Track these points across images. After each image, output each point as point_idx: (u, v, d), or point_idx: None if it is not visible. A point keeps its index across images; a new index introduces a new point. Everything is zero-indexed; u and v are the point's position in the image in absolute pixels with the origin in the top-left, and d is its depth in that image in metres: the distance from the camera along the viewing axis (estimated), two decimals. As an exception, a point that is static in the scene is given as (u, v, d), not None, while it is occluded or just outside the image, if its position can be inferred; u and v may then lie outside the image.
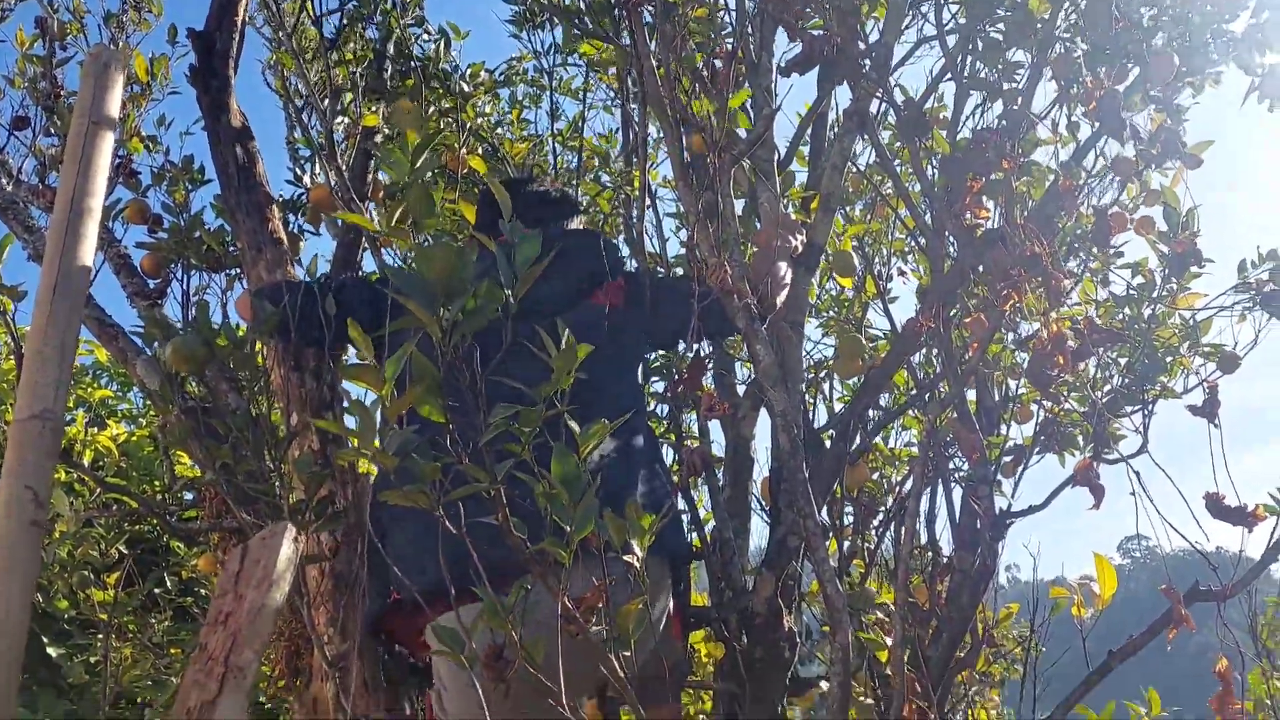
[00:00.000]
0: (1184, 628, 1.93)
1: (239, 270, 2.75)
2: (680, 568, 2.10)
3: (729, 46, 2.53)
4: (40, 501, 1.38)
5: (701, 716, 3.09)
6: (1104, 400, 2.49)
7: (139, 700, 3.89)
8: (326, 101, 3.03)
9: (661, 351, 2.56)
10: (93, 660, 3.98)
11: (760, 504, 2.70)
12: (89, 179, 1.70)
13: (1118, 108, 2.06)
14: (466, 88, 3.41)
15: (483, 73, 3.63)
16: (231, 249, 2.76)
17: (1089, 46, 2.22)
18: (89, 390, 4.93)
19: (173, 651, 3.33)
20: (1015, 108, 2.15)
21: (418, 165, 1.45)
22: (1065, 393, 2.45)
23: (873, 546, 2.85)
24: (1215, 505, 2.05)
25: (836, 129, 3.09)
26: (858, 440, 2.59)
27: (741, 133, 2.47)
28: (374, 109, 3.22)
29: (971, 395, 2.55)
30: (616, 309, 2.18)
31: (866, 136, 2.41)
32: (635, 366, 2.21)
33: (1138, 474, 2.28)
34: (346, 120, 3.16)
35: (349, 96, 3.26)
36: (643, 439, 2.07)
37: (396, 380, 1.28)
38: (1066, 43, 2.21)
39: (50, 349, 1.51)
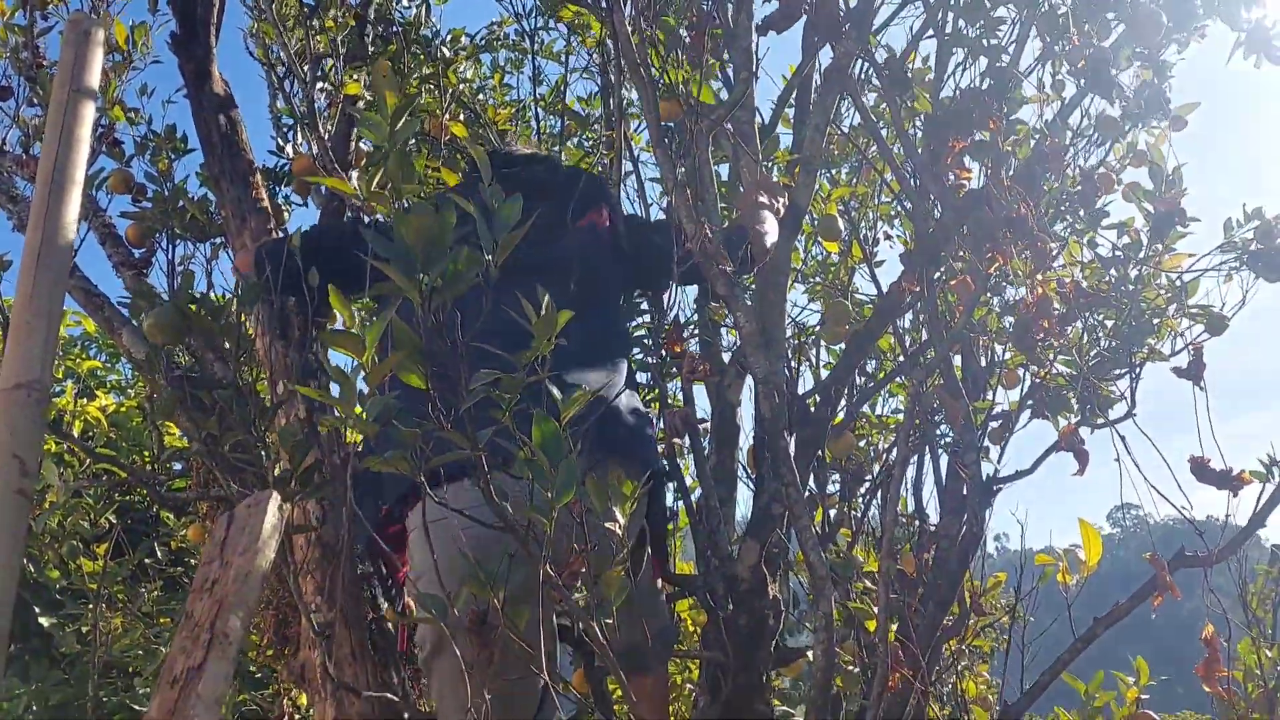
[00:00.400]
0: (1171, 595, 1.94)
1: (224, 239, 2.74)
2: (656, 483, 2.11)
3: (705, 7, 2.50)
4: (27, 470, 1.38)
5: (689, 686, 3.12)
6: (1091, 364, 2.49)
7: (130, 670, 3.91)
8: (307, 69, 3.00)
9: (640, 292, 2.56)
10: (84, 630, 4.00)
11: (746, 472, 2.71)
12: (71, 148, 1.68)
13: (1108, 66, 2.05)
14: (448, 53, 3.38)
15: (464, 38, 3.60)
16: (216, 218, 2.75)
17: (1074, 1, 2.20)
18: (77, 361, 4.91)
19: (162, 621, 3.34)
20: (1000, 65, 2.14)
21: (397, 128, 1.43)
22: (1052, 357, 2.45)
23: (859, 514, 2.87)
24: (1200, 469, 2.06)
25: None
26: (844, 407, 2.59)
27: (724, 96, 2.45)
28: (355, 77, 3.19)
29: (958, 361, 2.55)
30: (603, 231, 2.22)
31: (851, 98, 2.39)
32: (618, 294, 2.25)
33: (1124, 439, 2.29)
34: (328, 87, 3.13)
35: (330, 64, 3.23)
36: (624, 363, 2.11)
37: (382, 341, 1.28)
38: (1052, -2, 2.20)
39: (36, 318, 1.50)
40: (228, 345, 2.32)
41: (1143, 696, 2.43)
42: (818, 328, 2.93)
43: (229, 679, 1.13)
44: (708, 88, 2.46)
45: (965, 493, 2.28)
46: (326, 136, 3.11)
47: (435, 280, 1.28)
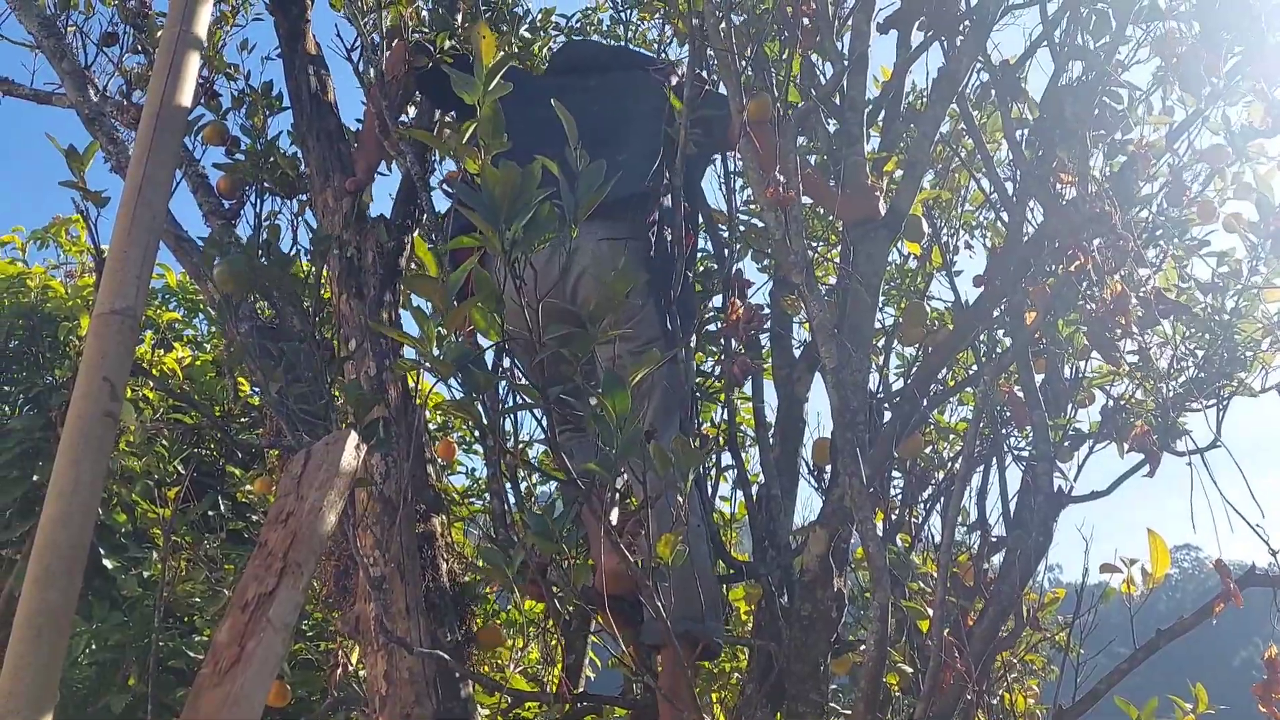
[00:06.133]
0: (1234, 605, 1.88)
1: (309, 196, 2.79)
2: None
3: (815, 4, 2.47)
4: (115, 394, 1.42)
5: (736, 674, 3.10)
6: (1174, 393, 2.41)
7: (189, 618, 3.98)
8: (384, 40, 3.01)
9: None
10: (146, 574, 4.08)
11: (809, 467, 2.68)
12: (177, 88, 1.73)
13: (1200, 65, 2.00)
14: (527, 35, 3.39)
15: (555, 18, 3.61)
16: (304, 175, 2.80)
17: (1200, 27, 2.15)
18: (158, 312, 5.02)
19: (227, 567, 3.40)
20: (1116, 81, 2.09)
21: (490, 88, 1.45)
22: (1136, 378, 2.39)
23: (920, 520, 2.82)
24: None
25: (912, 94, 3.03)
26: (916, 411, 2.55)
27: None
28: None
29: (1040, 377, 2.50)
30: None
31: (957, 104, 2.36)
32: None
33: (1206, 465, 2.22)
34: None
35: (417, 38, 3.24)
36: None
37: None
38: (1179, 22, 2.15)
39: (133, 249, 1.54)
40: (306, 300, 2.36)
41: (1200, 726, 2.37)
42: (893, 328, 2.89)
43: (299, 607, 1.15)
44: (794, 87, 2.44)
45: (1034, 505, 2.23)
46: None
47: (517, 232, 1.32)
